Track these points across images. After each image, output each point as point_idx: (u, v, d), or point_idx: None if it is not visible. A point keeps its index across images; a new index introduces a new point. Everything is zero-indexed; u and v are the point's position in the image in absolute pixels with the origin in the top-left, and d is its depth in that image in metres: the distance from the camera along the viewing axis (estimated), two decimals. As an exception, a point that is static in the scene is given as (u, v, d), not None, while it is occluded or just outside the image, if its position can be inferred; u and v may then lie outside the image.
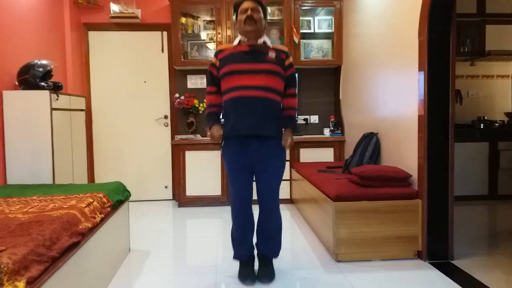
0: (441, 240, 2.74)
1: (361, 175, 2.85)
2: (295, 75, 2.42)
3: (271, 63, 2.24)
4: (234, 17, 2.38)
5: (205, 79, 4.90)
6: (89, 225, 2.17)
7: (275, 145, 2.31)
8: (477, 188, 4.30)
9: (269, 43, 2.32)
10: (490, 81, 4.87)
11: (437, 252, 2.74)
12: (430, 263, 2.70)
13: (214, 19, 4.59)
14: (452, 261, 2.70)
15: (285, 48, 2.36)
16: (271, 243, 2.46)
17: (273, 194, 2.37)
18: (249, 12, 2.23)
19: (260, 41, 2.28)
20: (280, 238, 2.50)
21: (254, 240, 2.52)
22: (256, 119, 2.21)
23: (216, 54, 2.34)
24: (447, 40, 2.69)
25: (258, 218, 2.44)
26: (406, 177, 2.86)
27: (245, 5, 2.25)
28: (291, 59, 2.36)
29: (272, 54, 2.27)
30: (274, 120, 2.28)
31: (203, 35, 4.77)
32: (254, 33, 2.25)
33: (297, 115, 4.72)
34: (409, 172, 2.88)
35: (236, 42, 2.31)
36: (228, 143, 2.32)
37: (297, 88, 2.49)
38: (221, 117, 2.43)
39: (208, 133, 2.40)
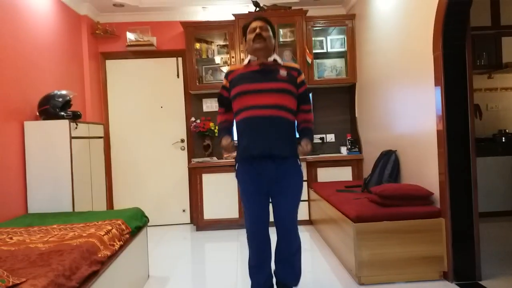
0: (467, 260, 2.64)
1: (382, 194, 2.80)
2: (308, 92, 2.39)
3: (282, 81, 2.19)
4: (244, 39, 2.38)
5: (220, 102, 4.94)
6: (108, 253, 2.16)
7: (291, 165, 2.22)
8: (502, 204, 4.16)
9: (279, 60, 2.28)
10: (509, 93, 4.77)
11: (464, 272, 2.63)
12: (457, 284, 2.60)
13: (228, 43, 4.65)
14: (480, 282, 2.59)
15: (296, 66, 2.32)
16: (290, 269, 2.32)
17: (291, 217, 2.25)
18: (257, 30, 2.22)
19: (270, 59, 2.25)
20: (300, 264, 2.35)
21: (272, 267, 2.39)
22: (269, 139, 2.14)
23: (226, 76, 2.33)
24: (462, 54, 2.66)
25: (276, 243, 2.32)
26: (428, 195, 2.78)
27: (254, 24, 2.26)
28: (303, 76, 2.31)
29: (283, 72, 2.22)
30: (288, 140, 2.21)
31: (217, 59, 4.83)
32: (263, 51, 2.23)
33: (313, 133, 4.70)
34: (431, 189, 2.82)
35: (246, 62, 2.30)
36: (242, 165, 2.25)
37: (311, 105, 2.45)
38: (233, 133, 2.41)
39: (221, 145, 2.38)
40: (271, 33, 2.28)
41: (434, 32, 2.70)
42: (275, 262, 2.38)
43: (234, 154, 2.35)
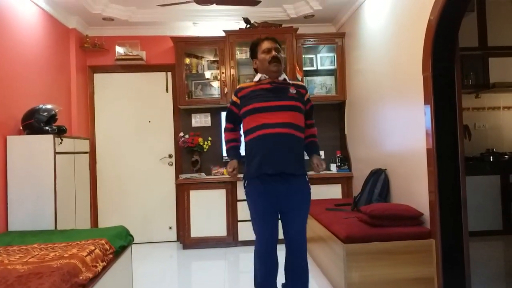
0: (458, 281, 2.62)
1: (372, 214, 2.78)
2: (312, 109, 2.47)
3: (293, 99, 2.28)
4: (249, 54, 2.44)
5: (209, 117, 4.92)
6: (90, 275, 2.09)
7: (302, 182, 2.29)
8: (491, 223, 4.17)
9: (288, 79, 2.37)
10: (496, 113, 4.84)
11: (455, 294, 2.61)
12: (449, 306, 2.57)
13: (218, 59, 4.65)
14: (471, 304, 2.57)
15: (303, 83, 2.43)
16: (300, 284, 2.34)
17: (303, 232, 2.31)
18: (273, 52, 2.29)
19: (281, 78, 2.33)
20: (308, 279, 2.36)
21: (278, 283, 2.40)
22: (283, 157, 2.20)
23: (236, 93, 2.39)
24: (451, 75, 2.69)
25: (287, 258, 2.35)
26: (417, 216, 2.77)
27: (267, 45, 2.33)
28: (308, 94, 2.41)
29: (293, 90, 2.30)
30: (299, 157, 2.28)
31: (207, 74, 4.82)
32: (277, 72, 2.31)
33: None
34: (421, 209, 2.80)
35: (256, 79, 2.35)
36: (252, 183, 2.28)
37: (313, 119, 2.53)
38: (240, 153, 2.46)
39: (226, 168, 2.40)
40: (282, 54, 2.36)
41: (423, 52, 2.72)
42: (286, 276, 2.38)
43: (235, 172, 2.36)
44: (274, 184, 2.21)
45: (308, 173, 2.38)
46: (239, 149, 2.45)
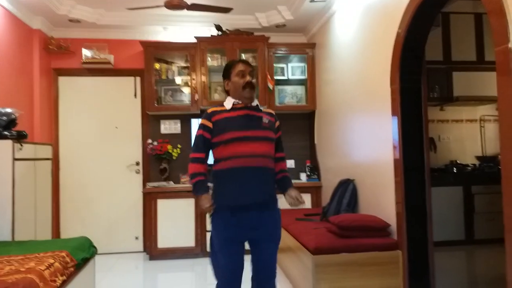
0: (423, 292, 2.67)
1: (340, 225, 2.79)
2: (281, 139, 2.34)
3: (267, 129, 2.18)
4: (222, 74, 2.28)
5: (179, 124, 4.85)
6: (48, 291, 1.98)
7: (274, 210, 2.19)
8: (454, 233, 4.27)
9: (259, 106, 2.25)
10: (459, 125, 5.00)
11: (421, 304, 2.65)
12: (414, 317, 2.61)
13: (189, 65, 4.60)
14: (436, 314, 2.62)
15: (272, 112, 2.31)
16: None
17: (274, 262, 2.21)
18: (247, 77, 2.17)
19: (254, 103, 2.22)
20: None
21: None
22: (259, 190, 2.10)
23: (208, 117, 2.17)
24: (418, 88, 2.76)
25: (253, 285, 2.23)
26: (385, 227, 2.81)
27: (241, 67, 2.20)
28: (278, 122, 2.32)
29: (265, 120, 2.20)
30: (272, 187, 2.21)
31: (178, 80, 4.75)
32: (251, 99, 2.20)
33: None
34: (388, 219, 2.85)
35: (229, 105, 2.19)
36: (222, 214, 2.12)
37: (284, 152, 2.40)
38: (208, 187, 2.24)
39: (200, 204, 2.14)
40: (255, 79, 2.27)
41: (392, 65, 2.78)
42: None
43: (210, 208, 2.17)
44: (246, 215, 2.09)
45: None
46: (207, 183, 2.20)
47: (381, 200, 2.99)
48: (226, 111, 2.18)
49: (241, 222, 2.09)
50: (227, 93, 2.26)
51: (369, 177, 3.20)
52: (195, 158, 2.18)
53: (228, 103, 2.20)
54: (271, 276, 2.20)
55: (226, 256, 2.14)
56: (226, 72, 2.25)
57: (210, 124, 2.16)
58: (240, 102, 2.19)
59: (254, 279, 2.23)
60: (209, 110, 2.21)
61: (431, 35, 2.78)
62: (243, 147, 2.10)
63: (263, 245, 2.16)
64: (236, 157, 2.09)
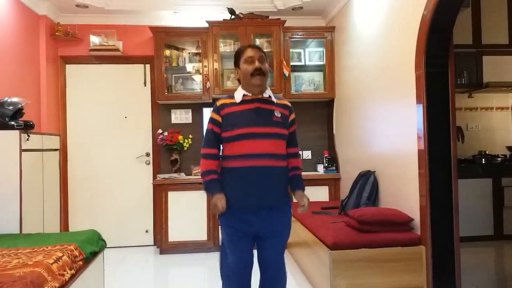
0: (448, 290, 2.63)
1: (360, 219, 2.77)
2: (295, 133, 2.29)
3: (277, 125, 2.13)
4: (236, 66, 2.24)
5: (190, 113, 4.86)
6: (57, 285, 2.02)
7: (284, 210, 2.18)
8: (482, 228, 4.22)
9: (272, 96, 2.20)
10: (489, 114, 4.90)
11: (445, 304, 2.62)
12: (438, 316, 2.58)
13: (200, 51, 4.59)
14: (461, 314, 2.59)
15: (288, 102, 2.25)
16: None
17: (281, 257, 2.22)
18: (257, 64, 2.11)
19: (266, 94, 2.17)
20: None
21: None
22: (266, 191, 2.09)
23: (217, 110, 2.15)
24: (445, 73, 2.70)
25: (261, 281, 2.25)
26: (407, 221, 2.78)
27: (250, 53, 2.14)
28: (293, 114, 2.25)
29: (278, 113, 2.15)
30: (283, 189, 2.18)
31: (189, 68, 4.76)
32: (262, 87, 2.14)
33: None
34: (411, 213, 2.81)
35: (239, 97, 2.15)
36: (230, 210, 2.11)
37: (299, 147, 2.37)
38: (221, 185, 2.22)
39: (214, 203, 2.11)
40: (267, 65, 2.18)
41: (416, 49, 2.72)
42: None
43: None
44: (254, 216, 2.10)
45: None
46: (220, 182, 2.16)
47: (404, 193, 2.95)
48: (235, 104, 2.15)
49: (248, 219, 2.10)
50: (239, 82, 2.23)
51: (391, 169, 3.16)
52: (207, 154, 2.17)
53: (238, 95, 2.17)
54: (278, 272, 2.20)
55: (233, 251, 2.16)
56: (236, 60, 2.22)
57: (219, 118, 2.15)
58: (250, 94, 2.15)
59: (261, 281, 2.25)
60: (218, 102, 2.19)
61: (460, 16, 2.72)
62: (252, 145, 2.07)
63: (269, 243, 2.16)
64: (244, 156, 2.08)
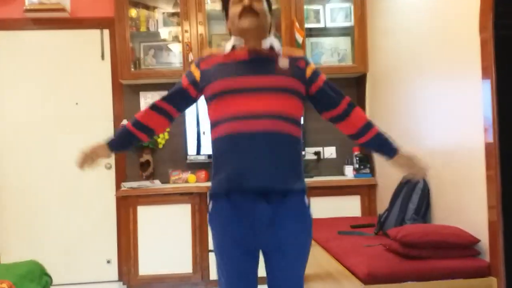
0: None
1: (405, 240, 2.78)
2: (331, 84, 2.27)
3: (284, 75, 2.12)
4: (223, 12, 2.30)
5: (167, 98, 4.88)
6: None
7: (296, 205, 2.13)
8: None
9: (277, 46, 2.20)
10: None
11: None
12: None
13: (179, 10, 4.60)
14: None
15: (301, 52, 2.30)
16: None
17: (298, 284, 2.16)
18: (246, 1, 2.11)
19: (265, 44, 2.18)
20: None
21: None
22: (264, 167, 2.04)
23: (198, 62, 2.25)
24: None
25: None
26: (471, 243, 2.79)
27: None
28: (313, 65, 2.26)
29: (284, 61, 2.15)
30: (292, 167, 2.12)
31: (164, 34, 4.78)
32: (255, 31, 2.14)
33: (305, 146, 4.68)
34: (476, 233, 2.81)
35: (228, 47, 2.21)
36: (218, 204, 2.15)
37: (348, 97, 2.30)
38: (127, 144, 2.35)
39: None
40: (265, 5, 2.19)
41: (481, 4, 2.72)
42: None
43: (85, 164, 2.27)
44: (252, 207, 2.06)
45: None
46: (132, 139, 2.30)
47: (466, 204, 2.96)
48: (222, 56, 2.21)
49: (245, 218, 2.08)
50: (230, 34, 2.28)
51: (447, 171, 3.17)
52: (152, 104, 2.28)
53: (227, 46, 2.21)
54: None
55: (225, 271, 2.15)
56: (224, 7, 2.27)
57: (197, 73, 2.22)
58: (243, 43, 2.18)
59: None
60: (204, 55, 2.29)
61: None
62: (241, 103, 2.08)
63: (277, 256, 2.12)
64: (230, 119, 2.08)
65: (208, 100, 2.19)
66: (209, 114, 2.20)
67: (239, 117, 2.07)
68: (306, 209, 2.18)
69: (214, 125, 2.17)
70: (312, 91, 2.22)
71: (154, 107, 2.28)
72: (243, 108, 2.07)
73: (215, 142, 2.17)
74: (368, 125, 2.29)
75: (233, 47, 2.20)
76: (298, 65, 2.19)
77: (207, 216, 2.24)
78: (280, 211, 2.08)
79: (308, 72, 2.21)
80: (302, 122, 2.26)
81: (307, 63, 2.23)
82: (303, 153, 2.33)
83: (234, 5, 2.17)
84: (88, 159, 2.28)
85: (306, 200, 2.19)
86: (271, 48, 2.19)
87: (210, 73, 2.17)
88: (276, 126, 2.06)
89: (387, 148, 2.30)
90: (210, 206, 2.21)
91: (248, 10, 2.11)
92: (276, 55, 2.18)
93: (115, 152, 2.33)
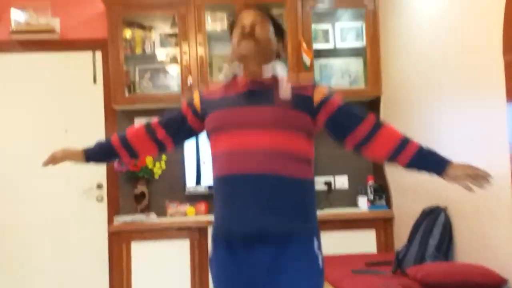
0: None
1: (426, 281, 2.77)
2: (348, 108, 2.15)
3: (284, 106, 2.05)
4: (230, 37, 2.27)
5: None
6: None
7: (302, 249, 2.05)
8: None
9: (281, 73, 2.16)
10: None
11: None
12: None
13: (177, 31, 4.62)
14: None
15: (309, 79, 2.24)
16: None
17: None
18: (247, 27, 2.10)
19: (267, 71, 2.14)
20: None
21: None
22: (255, 211, 1.99)
23: (201, 92, 2.30)
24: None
25: None
26: (499, 284, 2.75)
27: (245, 18, 2.15)
28: (323, 88, 2.18)
29: (285, 91, 2.07)
30: (294, 209, 2.05)
31: (161, 55, 4.80)
32: (253, 59, 2.10)
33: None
34: (504, 272, 2.78)
35: (228, 76, 2.24)
36: (216, 250, 2.14)
37: (373, 116, 2.18)
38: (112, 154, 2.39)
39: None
40: (271, 31, 2.17)
41: (504, 24, 2.72)
42: None
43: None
44: (248, 255, 2.03)
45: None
46: (112, 155, 2.38)
47: (491, 240, 2.94)
48: (224, 88, 2.22)
49: (240, 265, 2.05)
50: None
51: (471, 203, 3.14)
52: (148, 124, 2.33)
53: (229, 73, 2.26)
54: None
55: None
56: (230, 34, 2.26)
57: (197, 99, 2.26)
58: (242, 72, 2.17)
59: None
60: (210, 86, 2.30)
61: None
62: (233, 138, 2.07)
63: None
64: (222, 157, 2.09)
65: (207, 135, 2.21)
66: (210, 149, 2.21)
67: (231, 155, 2.07)
68: (313, 252, 2.08)
69: (212, 161, 2.17)
70: (322, 119, 2.13)
71: (149, 129, 2.31)
72: (235, 146, 2.06)
73: (213, 181, 2.17)
74: (404, 142, 2.17)
75: (235, 76, 2.21)
76: (304, 93, 2.12)
77: (209, 262, 2.23)
78: (281, 257, 2.01)
79: (317, 97, 2.12)
80: (311, 158, 2.16)
81: (314, 87, 2.16)
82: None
83: (236, 29, 2.17)
84: (58, 160, 2.36)
85: (316, 243, 2.10)
86: (275, 77, 2.15)
87: (210, 104, 2.19)
88: (272, 166, 2.01)
89: (435, 163, 2.16)
90: (210, 250, 2.21)
91: (248, 36, 2.10)
92: (277, 83, 2.13)
93: (90, 162, 2.37)
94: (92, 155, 2.35)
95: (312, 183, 2.16)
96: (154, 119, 2.34)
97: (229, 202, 2.07)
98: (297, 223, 2.05)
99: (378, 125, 2.16)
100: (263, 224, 2.00)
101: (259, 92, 2.13)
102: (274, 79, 2.14)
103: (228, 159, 2.07)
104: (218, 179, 2.11)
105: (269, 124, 2.04)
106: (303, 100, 2.09)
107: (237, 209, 2.04)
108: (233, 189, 2.05)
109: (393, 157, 2.16)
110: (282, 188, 2.02)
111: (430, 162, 2.17)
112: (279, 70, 2.17)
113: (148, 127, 2.31)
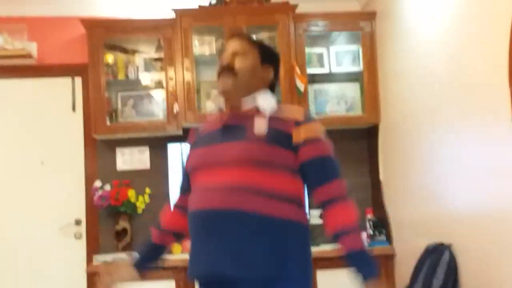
0: None
1: (430, 325, 2.73)
2: (328, 160, 2.13)
3: (258, 141, 2.03)
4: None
5: (148, 154, 4.92)
6: None
7: None
8: None
9: (265, 104, 2.15)
10: None
11: None
12: None
13: (163, 55, 4.64)
14: None
15: (298, 112, 2.17)
16: None
17: None
18: (226, 59, 2.16)
19: (246, 105, 2.16)
20: None
21: None
22: (217, 248, 1.98)
23: (191, 135, 2.40)
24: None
25: None
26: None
27: (227, 46, 2.25)
28: (309, 128, 2.12)
29: (260, 125, 2.05)
30: (264, 249, 1.97)
31: (145, 80, 4.80)
32: (232, 93, 2.15)
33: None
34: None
35: (214, 111, 2.36)
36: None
37: (340, 180, 2.13)
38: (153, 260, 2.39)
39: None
40: (255, 59, 2.20)
41: (510, 52, 2.74)
42: None
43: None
44: None
45: None
46: (161, 251, 2.37)
47: (500, 280, 2.92)
48: (212, 123, 2.29)
49: None
50: None
51: (478, 239, 3.14)
52: (174, 203, 2.42)
53: (214, 108, 2.40)
54: None
55: None
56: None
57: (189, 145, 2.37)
58: (224, 107, 2.24)
59: None
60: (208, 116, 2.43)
61: None
62: (202, 176, 2.12)
63: None
64: (193, 194, 2.17)
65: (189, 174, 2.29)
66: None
67: (199, 191, 2.13)
68: None
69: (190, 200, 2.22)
70: (298, 161, 2.09)
71: (180, 206, 2.35)
72: (203, 183, 2.11)
73: (188, 218, 2.22)
74: (337, 237, 2.10)
75: (221, 109, 2.27)
76: (284, 130, 2.08)
77: None
78: None
79: (296, 136, 2.07)
80: (296, 197, 2.10)
81: (299, 124, 2.10)
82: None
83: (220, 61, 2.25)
84: (108, 281, 2.24)
85: None
86: (256, 109, 2.15)
87: (197, 141, 2.28)
88: (236, 202, 1.98)
89: (358, 271, 2.07)
90: None
91: (226, 70, 2.15)
92: (256, 114, 2.13)
93: (144, 271, 2.30)
94: (143, 263, 2.30)
95: (298, 225, 2.09)
96: (176, 194, 2.43)
97: (194, 239, 2.12)
98: (263, 269, 1.97)
99: (332, 201, 2.07)
100: (218, 267, 1.98)
101: (235, 127, 2.14)
102: (257, 111, 2.15)
103: (196, 195, 2.13)
104: (188, 215, 2.16)
105: (237, 161, 2.03)
106: (282, 137, 2.07)
107: (198, 247, 2.08)
108: (197, 225, 2.09)
109: (335, 241, 2.13)
110: (247, 226, 1.97)
111: (355, 268, 2.08)
112: (261, 101, 2.17)
113: (178, 205, 2.37)
